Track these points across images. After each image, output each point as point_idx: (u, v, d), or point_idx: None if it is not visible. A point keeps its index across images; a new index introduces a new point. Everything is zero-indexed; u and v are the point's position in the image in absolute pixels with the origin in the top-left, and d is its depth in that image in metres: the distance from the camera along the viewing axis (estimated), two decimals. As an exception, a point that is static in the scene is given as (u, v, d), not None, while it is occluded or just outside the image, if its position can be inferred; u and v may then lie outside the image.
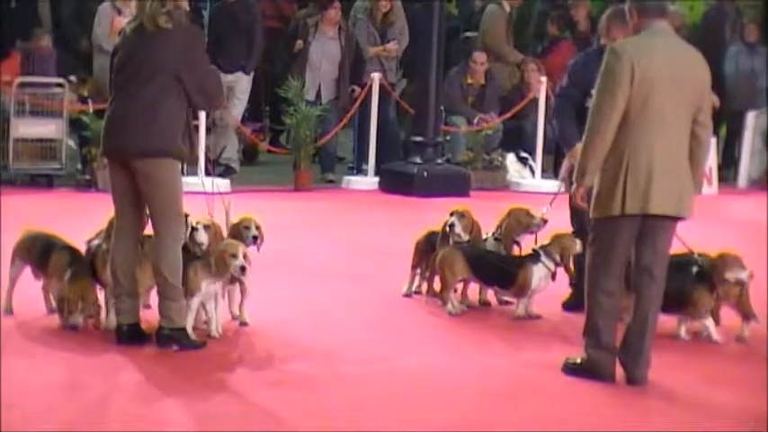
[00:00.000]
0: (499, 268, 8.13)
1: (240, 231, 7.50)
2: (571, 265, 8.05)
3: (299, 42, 14.42)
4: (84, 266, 7.25)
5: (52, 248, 7.38)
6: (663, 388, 6.71)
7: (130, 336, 6.99)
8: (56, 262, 7.30)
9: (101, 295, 7.28)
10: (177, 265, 6.93)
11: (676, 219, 6.79)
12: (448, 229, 8.28)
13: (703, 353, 7.54)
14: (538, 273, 7.99)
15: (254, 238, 7.52)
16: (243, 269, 7.11)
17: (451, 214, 8.35)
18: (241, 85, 14.12)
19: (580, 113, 8.02)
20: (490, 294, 8.48)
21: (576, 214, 8.10)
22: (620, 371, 6.75)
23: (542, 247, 8.02)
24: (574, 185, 6.84)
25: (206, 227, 7.37)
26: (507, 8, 16.05)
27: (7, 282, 7.55)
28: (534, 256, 8.02)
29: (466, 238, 8.29)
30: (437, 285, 8.48)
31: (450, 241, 8.27)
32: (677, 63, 6.70)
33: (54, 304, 7.40)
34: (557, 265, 8.03)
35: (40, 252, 7.42)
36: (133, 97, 6.95)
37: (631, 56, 6.60)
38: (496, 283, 8.22)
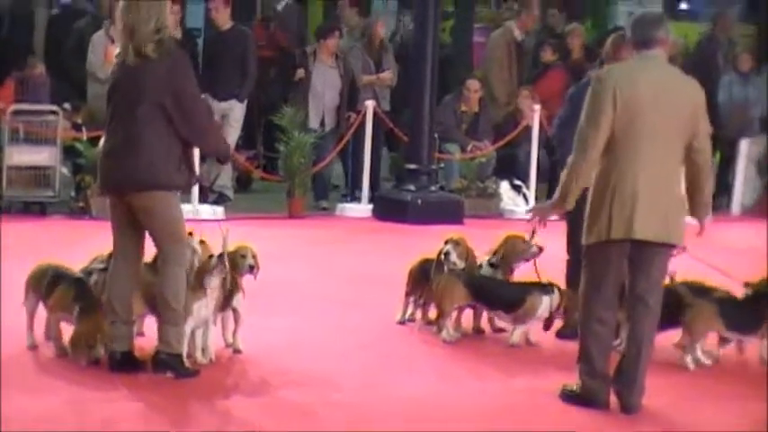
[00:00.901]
0: (505, 293, 8.15)
1: (236, 260, 7.48)
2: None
3: (301, 71, 14.46)
4: (91, 300, 7.15)
5: (59, 281, 7.30)
6: (658, 414, 6.70)
7: (124, 363, 6.97)
8: (60, 296, 7.22)
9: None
10: (180, 289, 6.94)
11: (669, 246, 6.80)
12: (443, 257, 8.27)
13: (698, 375, 7.53)
14: (546, 303, 8.00)
15: (251, 267, 7.51)
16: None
17: (446, 242, 8.35)
18: (235, 112, 14.14)
19: None
20: (484, 322, 8.48)
21: (573, 243, 8.12)
22: (614, 398, 6.75)
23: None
24: (550, 203, 6.87)
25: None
26: (517, 34, 16.09)
27: (26, 316, 7.45)
28: (547, 287, 8.02)
29: (461, 265, 8.29)
30: (432, 313, 8.49)
31: (446, 269, 8.26)
32: (664, 89, 6.72)
33: (51, 335, 7.32)
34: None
35: (48, 284, 7.34)
36: (121, 129, 6.94)
37: (614, 82, 6.65)
38: (502, 308, 8.22)
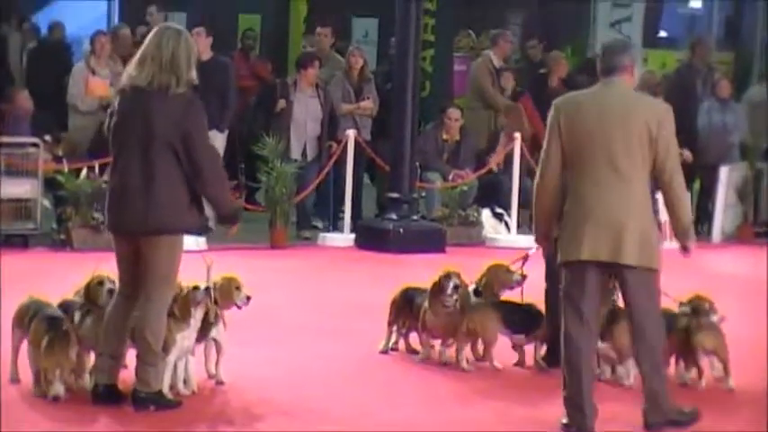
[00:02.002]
0: (528, 316, 8.23)
1: (231, 291, 7.45)
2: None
3: (282, 102, 14.48)
4: (60, 334, 7.08)
5: (37, 316, 7.25)
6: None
7: (107, 396, 6.95)
8: (34, 330, 7.16)
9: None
10: (162, 331, 6.91)
11: (647, 270, 6.84)
12: (451, 290, 8.19)
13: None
14: None
15: (248, 298, 7.47)
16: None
17: (448, 276, 8.24)
18: (216, 143, 14.06)
19: None
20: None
21: (550, 271, 8.16)
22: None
23: None
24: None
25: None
26: (495, 61, 16.15)
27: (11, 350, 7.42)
28: None
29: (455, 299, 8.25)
30: (414, 340, 8.52)
31: (446, 302, 8.19)
32: (613, 112, 6.82)
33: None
34: None
35: (29, 320, 7.28)
36: (131, 168, 6.85)
37: (560, 109, 6.87)
38: (523, 331, 8.31)
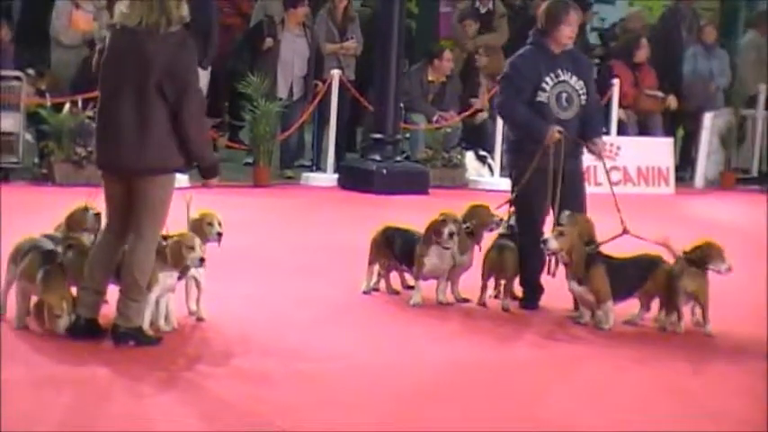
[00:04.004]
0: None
1: (202, 227, 7.46)
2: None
3: (269, 40, 14.40)
4: (56, 266, 7.05)
5: (31, 251, 7.21)
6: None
7: (87, 330, 6.96)
8: (29, 263, 7.10)
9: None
10: (150, 268, 6.92)
11: None
12: (447, 236, 8.19)
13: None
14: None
15: (219, 234, 7.49)
16: (202, 261, 7.12)
17: (445, 221, 8.23)
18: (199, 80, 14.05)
19: (529, 106, 8.18)
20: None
21: (522, 218, 8.27)
22: (627, 368, 6.79)
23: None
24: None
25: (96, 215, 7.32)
26: (482, 8, 16.22)
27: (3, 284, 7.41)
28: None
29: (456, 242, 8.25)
30: (395, 281, 8.54)
31: (444, 246, 8.18)
32: None
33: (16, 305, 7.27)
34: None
35: (23, 256, 7.25)
36: (123, 107, 6.79)
37: None
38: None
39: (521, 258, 8.28)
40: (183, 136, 6.84)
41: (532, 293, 8.41)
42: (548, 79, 8.28)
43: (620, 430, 6.01)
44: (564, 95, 8.30)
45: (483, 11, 16.35)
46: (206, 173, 7.07)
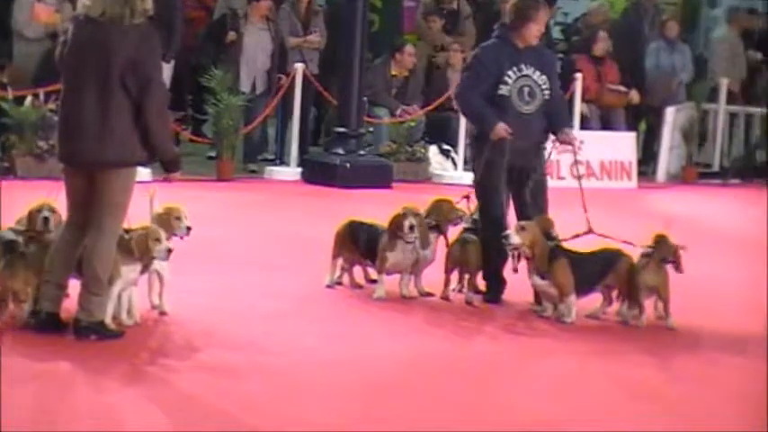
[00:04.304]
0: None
1: (170, 221, 7.43)
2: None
3: (232, 33, 14.37)
4: (18, 255, 7.03)
5: None
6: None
7: (49, 323, 6.93)
8: None
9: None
10: (111, 262, 6.89)
11: None
12: (407, 230, 8.20)
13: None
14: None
15: (188, 228, 7.46)
16: (169, 252, 7.11)
17: (405, 215, 8.23)
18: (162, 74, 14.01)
19: (490, 99, 8.19)
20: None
21: (484, 213, 8.29)
22: (615, 370, 6.82)
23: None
24: None
25: (52, 211, 7.29)
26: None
27: None
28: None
29: (417, 235, 8.25)
30: (358, 275, 8.55)
31: (406, 239, 8.19)
32: None
33: None
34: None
35: None
36: (85, 100, 6.76)
37: None
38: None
39: (483, 252, 8.30)
40: (146, 129, 6.81)
41: (495, 287, 8.43)
42: (510, 73, 8.31)
43: (582, 423, 6.04)
44: (526, 89, 8.33)
45: (447, 10, 16.38)
46: (168, 166, 7.05)
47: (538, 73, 8.36)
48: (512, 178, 8.33)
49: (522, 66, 8.33)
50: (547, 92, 8.38)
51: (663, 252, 7.94)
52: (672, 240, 8.02)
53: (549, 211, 8.34)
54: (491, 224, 8.26)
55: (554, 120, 8.43)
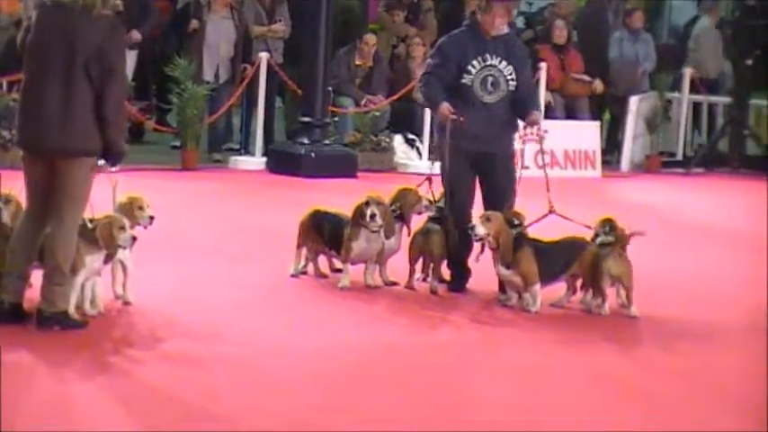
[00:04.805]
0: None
1: (133, 211, 7.40)
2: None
3: (195, 22, 14.32)
4: None
5: None
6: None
7: (11, 314, 6.89)
8: None
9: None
10: (72, 251, 6.86)
11: None
12: (369, 218, 8.23)
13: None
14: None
15: (151, 218, 7.44)
16: (134, 240, 7.09)
17: (368, 203, 8.23)
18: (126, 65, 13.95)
19: (454, 87, 8.20)
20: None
21: (452, 202, 8.31)
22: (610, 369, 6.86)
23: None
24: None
25: (6, 202, 7.25)
26: None
27: None
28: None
29: (380, 224, 8.25)
30: (323, 265, 8.56)
31: (372, 229, 8.20)
32: None
33: None
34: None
35: None
36: (48, 88, 6.72)
37: None
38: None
39: (447, 240, 8.32)
40: (102, 118, 6.76)
41: (460, 276, 8.45)
42: (475, 62, 8.32)
43: (547, 412, 6.06)
44: (490, 79, 8.34)
45: (408, 2, 16.39)
46: (111, 159, 6.94)
47: (504, 63, 8.36)
48: (478, 166, 8.35)
49: (488, 55, 8.34)
50: (512, 82, 8.37)
51: (618, 239, 7.97)
52: (619, 224, 8.06)
53: (515, 201, 8.36)
54: (455, 212, 8.29)
55: (521, 106, 8.41)
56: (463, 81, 8.31)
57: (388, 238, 8.28)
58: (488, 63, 8.34)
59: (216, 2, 14.31)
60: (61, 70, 6.72)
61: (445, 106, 8.22)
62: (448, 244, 8.32)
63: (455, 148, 8.30)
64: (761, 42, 16.63)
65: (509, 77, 8.36)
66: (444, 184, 8.40)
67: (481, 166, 8.35)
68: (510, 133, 8.48)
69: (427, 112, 14.75)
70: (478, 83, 8.32)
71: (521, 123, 8.50)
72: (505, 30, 8.47)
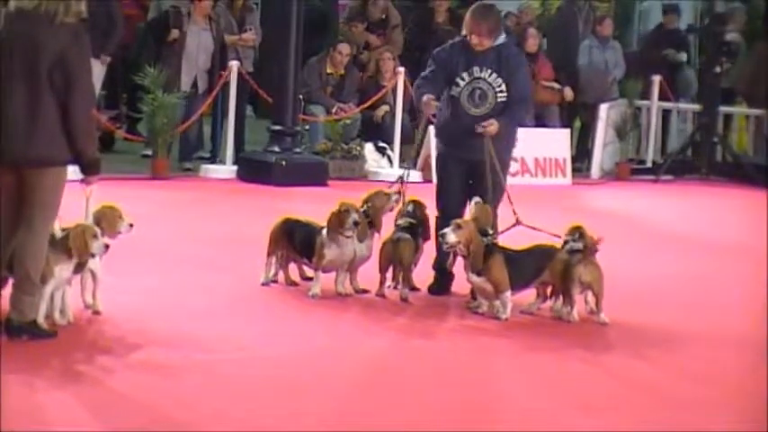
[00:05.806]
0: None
1: (114, 220, 7.36)
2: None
3: (176, 32, 14.28)
4: None
5: None
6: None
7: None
8: None
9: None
10: (42, 261, 6.83)
11: None
12: (353, 225, 8.19)
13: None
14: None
15: (131, 225, 7.44)
16: (107, 248, 7.08)
17: (347, 211, 8.24)
18: (94, 70, 13.88)
19: (444, 99, 8.29)
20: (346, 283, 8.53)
21: (441, 201, 8.37)
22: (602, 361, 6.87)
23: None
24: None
25: None
26: None
27: None
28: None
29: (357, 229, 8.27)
30: (293, 273, 8.56)
31: (347, 234, 8.22)
32: None
33: None
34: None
35: None
36: (14, 97, 6.68)
37: None
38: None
39: (436, 243, 8.35)
40: (68, 126, 6.73)
41: (442, 279, 8.50)
42: (464, 75, 8.37)
43: (515, 417, 6.08)
44: (477, 92, 8.37)
45: (375, 18, 16.38)
46: (86, 169, 6.91)
47: (495, 75, 8.36)
48: (467, 174, 8.45)
49: (476, 68, 8.37)
50: (501, 94, 8.38)
51: (588, 246, 8.00)
52: (588, 231, 8.09)
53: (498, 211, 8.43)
54: (440, 216, 8.43)
55: (499, 115, 8.38)
56: (452, 93, 8.40)
57: (361, 241, 8.29)
58: (476, 76, 8.38)
59: (195, 12, 14.28)
60: (25, 79, 6.69)
61: (429, 98, 8.29)
62: (436, 246, 8.33)
63: (446, 155, 8.53)
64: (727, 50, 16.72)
65: (497, 90, 8.37)
66: (436, 185, 8.66)
67: (470, 173, 8.41)
68: (500, 144, 8.41)
69: (397, 120, 14.82)
70: (466, 96, 8.36)
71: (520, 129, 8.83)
72: (500, 41, 8.47)
